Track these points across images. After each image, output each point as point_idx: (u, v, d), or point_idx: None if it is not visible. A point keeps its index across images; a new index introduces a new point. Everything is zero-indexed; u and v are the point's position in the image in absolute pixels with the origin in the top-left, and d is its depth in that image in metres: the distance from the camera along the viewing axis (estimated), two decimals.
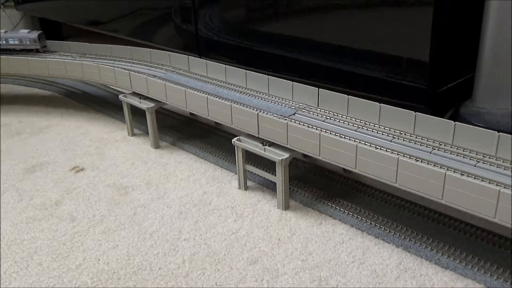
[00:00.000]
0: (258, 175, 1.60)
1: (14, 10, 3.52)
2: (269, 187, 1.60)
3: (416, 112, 1.30)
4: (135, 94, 1.96)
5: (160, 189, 1.64)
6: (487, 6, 1.41)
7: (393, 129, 1.34)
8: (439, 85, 1.56)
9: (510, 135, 1.15)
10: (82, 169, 1.80)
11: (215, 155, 1.82)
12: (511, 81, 1.42)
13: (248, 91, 1.71)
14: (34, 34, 2.16)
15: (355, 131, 1.35)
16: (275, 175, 1.46)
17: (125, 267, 1.27)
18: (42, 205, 1.57)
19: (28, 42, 2.10)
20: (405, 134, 1.31)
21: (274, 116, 1.45)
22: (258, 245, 1.33)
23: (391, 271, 1.21)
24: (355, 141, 1.27)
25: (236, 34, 2.05)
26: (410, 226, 1.33)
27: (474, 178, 1.08)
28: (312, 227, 1.39)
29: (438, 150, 1.22)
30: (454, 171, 1.11)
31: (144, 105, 1.88)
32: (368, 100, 1.40)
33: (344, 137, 1.30)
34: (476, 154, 1.19)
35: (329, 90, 1.49)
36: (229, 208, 1.51)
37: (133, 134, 2.08)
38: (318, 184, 1.59)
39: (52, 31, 3.48)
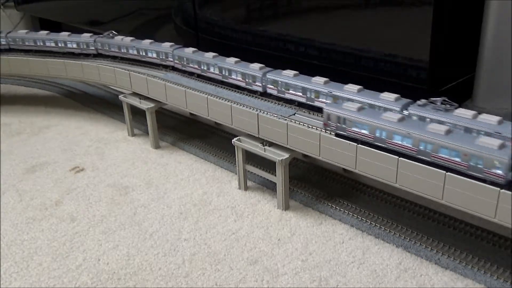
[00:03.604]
0: (258, 175, 1.59)
1: (14, 10, 3.52)
2: (269, 187, 1.60)
3: None
4: (135, 94, 1.96)
5: (160, 189, 1.64)
6: (487, 6, 1.41)
7: None
8: (439, 85, 1.56)
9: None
10: (82, 169, 1.80)
11: (215, 155, 1.81)
12: (511, 81, 1.42)
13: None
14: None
15: None
16: (275, 175, 1.46)
17: (125, 267, 1.27)
18: (42, 205, 1.57)
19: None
20: None
21: (274, 116, 1.45)
22: (258, 245, 1.33)
23: (391, 271, 1.21)
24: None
25: (236, 34, 2.05)
26: (410, 226, 1.33)
27: None
28: (312, 227, 1.39)
29: None
30: None
31: (144, 105, 1.88)
32: None
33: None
34: None
35: None
36: (229, 208, 1.51)
37: (133, 134, 2.08)
38: (318, 184, 1.59)
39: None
